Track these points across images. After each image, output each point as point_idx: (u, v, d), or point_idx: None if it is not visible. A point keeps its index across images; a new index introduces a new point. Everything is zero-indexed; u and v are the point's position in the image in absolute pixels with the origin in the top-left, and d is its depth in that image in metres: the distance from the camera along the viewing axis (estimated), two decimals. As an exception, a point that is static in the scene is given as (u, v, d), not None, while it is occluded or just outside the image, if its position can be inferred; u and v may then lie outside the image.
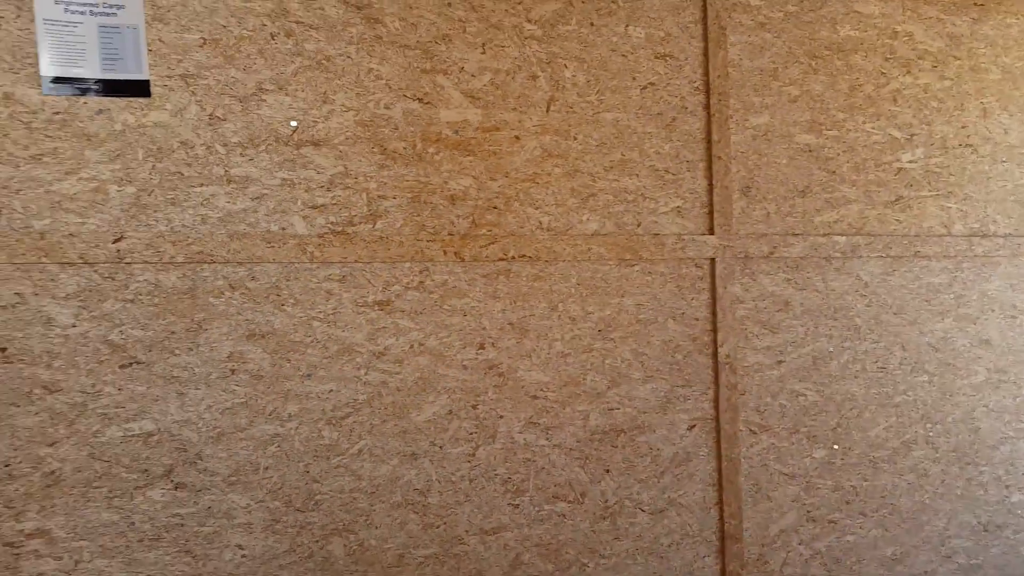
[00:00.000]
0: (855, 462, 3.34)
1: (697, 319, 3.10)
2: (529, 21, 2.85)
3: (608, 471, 3.00)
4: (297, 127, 2.64)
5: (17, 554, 2.36)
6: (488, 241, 2.82)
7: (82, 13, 2.41)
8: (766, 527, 3.20)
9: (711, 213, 3.11)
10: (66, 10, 2.38)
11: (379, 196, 2.74)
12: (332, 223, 2.69)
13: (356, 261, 2.71)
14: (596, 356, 2.94)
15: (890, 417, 3.42)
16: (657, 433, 3.03)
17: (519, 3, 2.84)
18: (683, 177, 3.07)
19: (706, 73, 3.08)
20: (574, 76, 2.91)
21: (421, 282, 2.79)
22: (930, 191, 3.52)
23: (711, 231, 3.11)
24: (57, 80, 2.39)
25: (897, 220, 3.44)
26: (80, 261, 2.40)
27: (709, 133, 3.09)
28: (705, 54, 3.09)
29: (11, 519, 2.36)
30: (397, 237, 2.75)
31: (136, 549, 2.47)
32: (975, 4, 3.62)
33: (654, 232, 3.03)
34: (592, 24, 2.93)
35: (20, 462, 2.37)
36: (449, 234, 2.81)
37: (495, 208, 2.83)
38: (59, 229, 2.40)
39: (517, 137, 2.84)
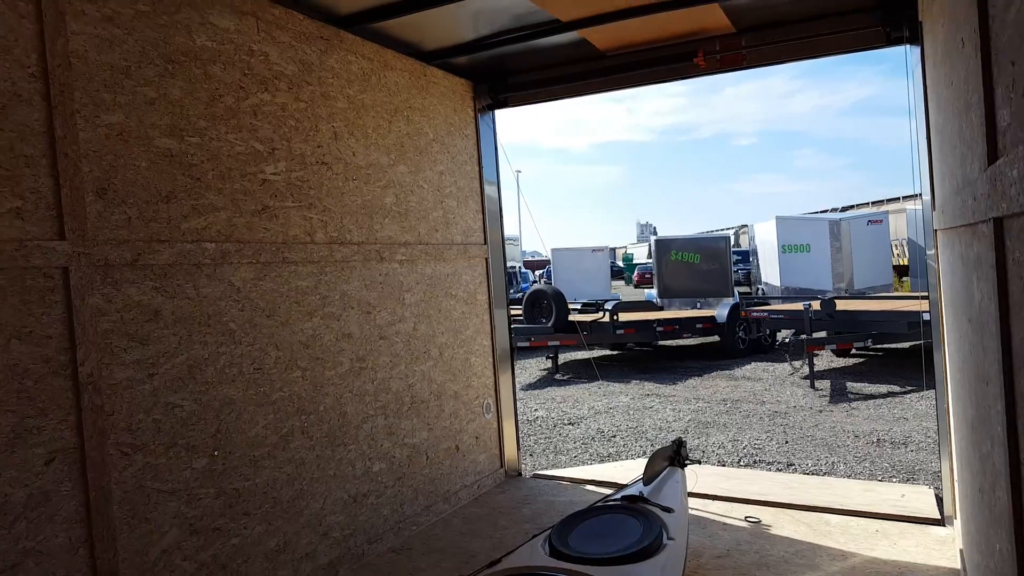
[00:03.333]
0: (236, 464, 3.29)
1: (50, 337, 2.61)
2: None
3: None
4: None
5: None
6: None
7: None
8: (146, 552, 2.90)
9: (61, 216, 2.65)
10: None
11: None
12: None
13: None
14: None
15: (268, 415, 3.47)
16: (4, 476, 2.44)
17: None
18: (21, 174, 2.55)
19: (43, 59, 2.62)
20: None
21: None
22: (294, 202, 3.70)
23: (62, 236, 2.65)
24: None
25: (265, 228, 3.52)
26: None
27: (52, 127, 2.63)
28: (41, 38, 2.62)
29: None
30: None
31: None
32: (321, 38, 3.94)
33: (-19, 238, 2.44)
34: None
35: None
36: None
37: None
38: None
39: None
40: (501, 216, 5.73)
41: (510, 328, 5.77)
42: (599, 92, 5.34)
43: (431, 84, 4.92)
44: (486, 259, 5.47)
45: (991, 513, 1.98)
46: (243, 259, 3.36)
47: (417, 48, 4.75)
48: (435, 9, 3.99)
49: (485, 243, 5.46)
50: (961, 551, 3.53)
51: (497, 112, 5.62)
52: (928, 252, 4.15)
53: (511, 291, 20.14)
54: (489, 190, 5.53)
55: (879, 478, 6.17)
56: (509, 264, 23.76)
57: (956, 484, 3.69)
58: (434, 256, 4.80)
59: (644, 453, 7.13)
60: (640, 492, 3.50)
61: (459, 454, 4.98)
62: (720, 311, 14.11)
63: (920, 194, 4.27)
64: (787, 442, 7.52)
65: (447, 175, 5.04)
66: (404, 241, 4.53)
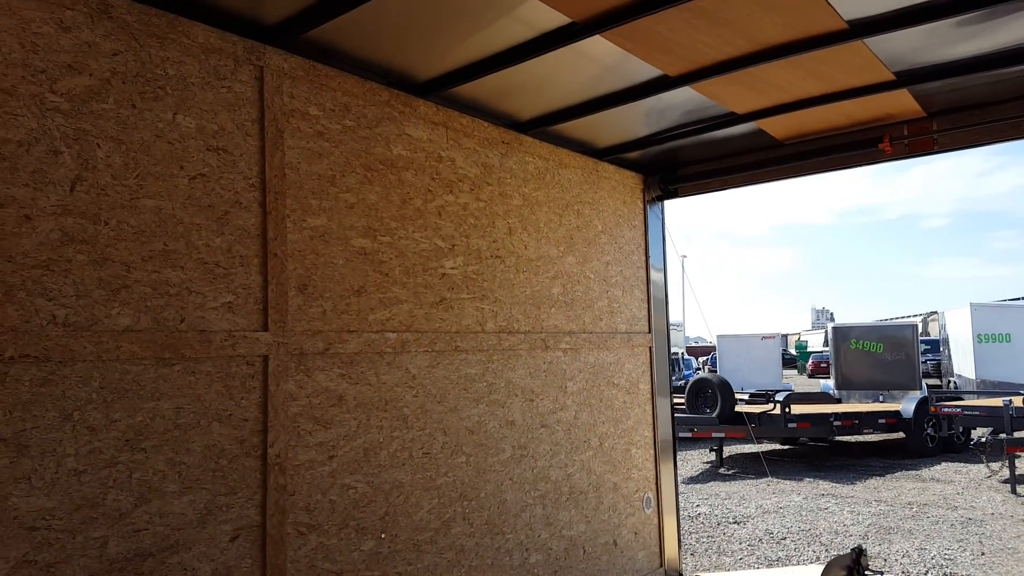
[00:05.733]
0: (400, 548, 3.32)
1: (246, 420, 2.80)
2: (53, 92, 2.36)
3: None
4: None
5: None
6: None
7: None
8: (314, 628, 2.96)
9: (265, 309, 2.88)
10: None
11: None
12: None
13: None
14: (121, 470, 2.45)
15: (433, 499, 3.49)
16: (194, 551, 2.61)
17: (41, 72, 2.34)
18: (235, 272, 2.80)
19: (263, 171, 2.90)
20: (108, 156, 2.48)
21: None
22: (468, 294, 3.80)
23: (265, 327, 2.87)
24: None
25: (441, 319, 3.62)
26: None
27: (265, 230, 2.89)
28: (262, 153, 2.91)
29: None
30: None
31: None
32: (502, 142, 4.09)
33: (200, 328, 2.69)
34: (134, 106, 2.55)
35: None
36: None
37: (-7, 299, 2.22)
38: None
39: (28, 217, 2.29)
40: (667, 303, 5.55)
41: (673, 418, 5.50)
42: (775, 180, 5.10)
43: (602, 179, 4.93)
44: (650, 348, 5.29)
45: None
46: (420, 347, 3.47)
47: (591, 146, 4.81)
48: (609, 111, 4.02)
49: (649, 331, 5.29)
50: None
51: (666, 202, 5.53)
52: None
53: (673, 378, 19.25)
54: (655, 277, 5.40)
55: None
56: (672, 351, 23.06)
57: None
58: (597, 345, 4.72)
59: (818, 559, 6.42)
60: None
61: (617, 549, 4.74)
62: (906, 405, 12.70)
63: None
64: (983, 554, 6.54)
65: (613, 265, 4.98)
66: (569, 330, 4.49)
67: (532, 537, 4.07)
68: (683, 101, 4.06)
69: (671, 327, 5.79)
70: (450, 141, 3.76)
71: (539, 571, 4.10)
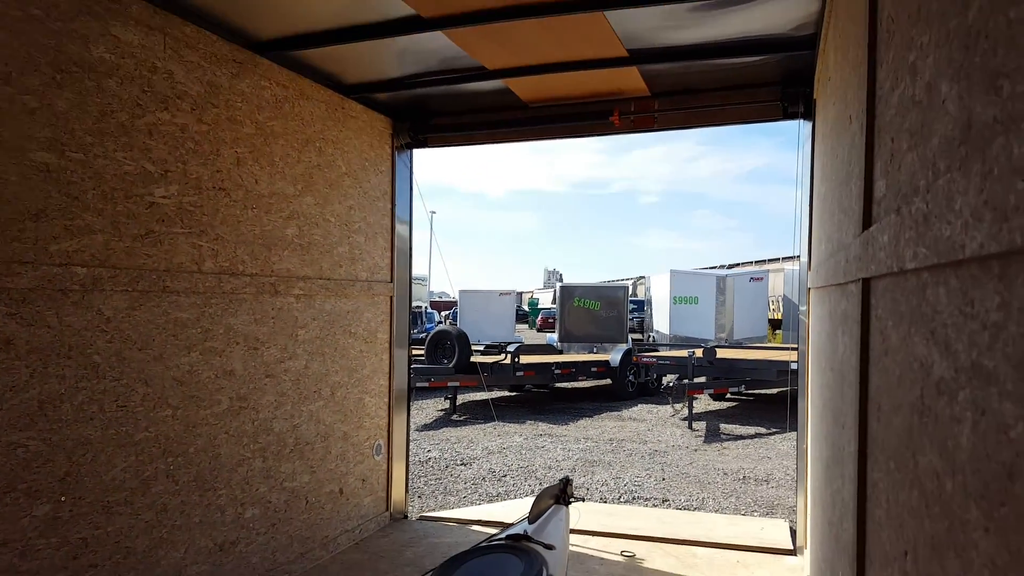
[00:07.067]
0: (86, 511, 2.88)
1: None
2: None
3: None
4: None
5: None
6: None
7: None
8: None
9: None
10: None
11: None
12: None
13: None
14: None
15: (129, 456, 3.07)
16: None
17: None
18: None
19: None
20: None
21: None
22: (182, 228, 3.35)
23: None
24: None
25: (147, 254, 3.15)
26: None
27: None
28: None
29: None
30: None
31: None
32: (234, 60, 3.64)
33: None
34: None
35: None
36: None
37: None
38: None
39: None
40: (410, 255, 5.49)
41: (410, 368, 5.50)
42: (519, 140, 5.24)
43: (348, 117, 4.66)
44: (391, 297, 5.20)
45: (837, 544, 2.09)
46: (117, 286, 2.99)
47: (338, 80, 4.50)
48: (360, 43, 3.77)
49: (392, 281, 5.20)
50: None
51: (415, 152, 5.42)
52: (801, 308, 4.38)
53: (415, 331, 19.60)
54: (400, 227, 5.29)
55: (743, 512, 6.37)
56: (415, 304, 23.24)
57: (809, 518, 3.87)
58: (335, 292, 4.51)
59: (533, 492, 6.96)
60: (524, 531, 3.39)
61: (343, 497, 4.65)
62: (614, 356, 14.26)
63: (799, 256, 4.50)
64: (664, 479, 7.66)
65: (357, 210, 4.77)
66: (304, 275, 4.22)
67: (249, 492, 3.81)
68: (437, 48, 3.94)
69: (416, 281, 5.78)
70: (169, 51, 3.24)
71: (255, 525, 3.86)
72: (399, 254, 5.27)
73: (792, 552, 4.50)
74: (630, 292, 19.49)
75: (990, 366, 0.72)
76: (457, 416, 12.07)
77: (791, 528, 4.91)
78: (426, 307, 28.41)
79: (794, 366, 5.25)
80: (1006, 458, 0.67)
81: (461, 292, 22.69)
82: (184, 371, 3.36)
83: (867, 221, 1.57)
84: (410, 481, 5.70)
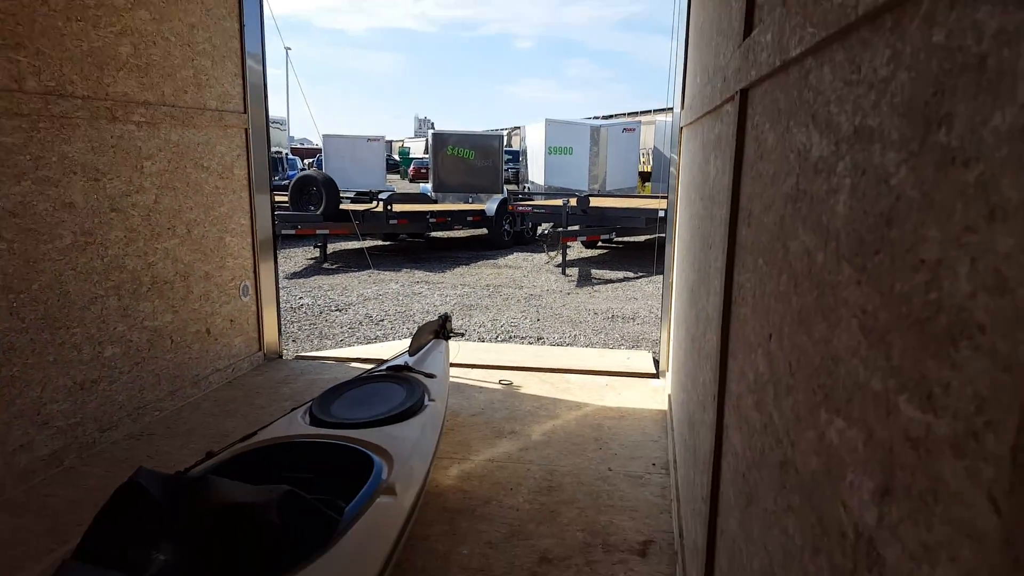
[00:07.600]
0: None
1: None
2: None
3: None
4: None
5: None
6: None
7: None
8: None
9: None
10: None
11: None
12: None
13: None
14: None
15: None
16: None
17: None
18: None
19: None
20: None
21: None
22: (-8, 36, 2.85)
23: None
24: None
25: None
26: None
27: None
28: None
29: None
30: None
31: None
32: None
33: None
34: None
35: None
36: None
37: None
38: None
39: None
40: (265, 89, 5.02)
41: (273, 213, 5.21)
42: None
43: (187, -83, 4.02)
44: (246, 129, 4.79)
45: (699, 355, 2.23)
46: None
47: None
48: None
49: (245, 112, 4.77)
50: (669, 396, 4.21)
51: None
52: (672, 156, 4.45)
53: (277, 177, 18.36)
54: (252, 60, 4.79)
55: (611, 346, 6.83)
56: (275, 150, 21.62)
57: (672, 344, 4.27)
58: (182, 121, 4.09)
59: (410, 334, 7.08)
60: (405, 362, 3.48)
61: (211, 337, 4.49)
62: (489, 205, 14.30)
63: (671, 108, 4.58)
64: (539, 320, 8.01)
65: (200, 29, 4.24)
66: (144, 100, 3.78)
67: (106, 330, 3.58)
68: None
69: (274, 124, 5.33)
70: None
71: (117, 364, 3.67)
72: (252, 87, 4.81)
73: (656, 376, 4.94)
74: (504, 143, 19.28)
75: (874, 124, 0.72)
76: (329, 264, 11.85)
77: (654, 358, 5.34)
78: (287, 153, 26.71)
79: (662, 214, 5.53)
80: (884, 207, 0.68)
81: (325, 136, 21.35)
82: (16, 202, 2.99)
83: (748, 30, 1.55)
84: (283, 327, 5.60)
